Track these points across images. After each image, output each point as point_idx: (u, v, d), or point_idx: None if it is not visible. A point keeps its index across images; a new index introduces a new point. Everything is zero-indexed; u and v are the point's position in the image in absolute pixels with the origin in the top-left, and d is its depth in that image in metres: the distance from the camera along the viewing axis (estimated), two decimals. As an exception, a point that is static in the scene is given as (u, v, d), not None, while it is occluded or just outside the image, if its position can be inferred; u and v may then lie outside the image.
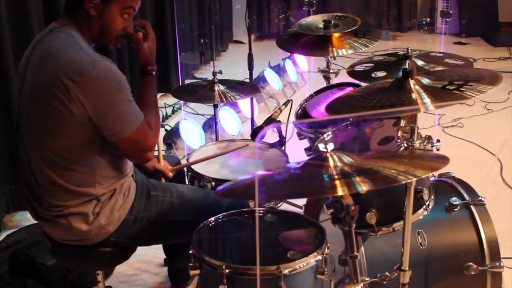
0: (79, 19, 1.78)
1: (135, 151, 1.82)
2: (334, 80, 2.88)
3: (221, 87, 2.72)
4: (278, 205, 2.47)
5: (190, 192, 2.04)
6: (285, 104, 2.53)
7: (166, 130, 4.00)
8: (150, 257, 2.74)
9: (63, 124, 1.71)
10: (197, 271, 1.61)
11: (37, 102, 1.73)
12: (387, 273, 1.82)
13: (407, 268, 1.72)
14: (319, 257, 1.59)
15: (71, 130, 1.72)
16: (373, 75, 2.25)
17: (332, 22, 2.78)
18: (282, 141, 2.56)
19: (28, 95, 1.78)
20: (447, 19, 6.45)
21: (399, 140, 1.90)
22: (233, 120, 3.95)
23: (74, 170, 1.78)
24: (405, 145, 1.79)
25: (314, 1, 3.49)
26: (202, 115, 4.42)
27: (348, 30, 2.75)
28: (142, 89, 1.92)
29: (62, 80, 1.66)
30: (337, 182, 1.36)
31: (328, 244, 1.64)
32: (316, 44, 2.80)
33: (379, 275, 1.83)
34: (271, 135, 2.65)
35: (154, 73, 1.93)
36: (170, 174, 2.20)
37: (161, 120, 1.95)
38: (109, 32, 1.81)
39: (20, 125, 1.84)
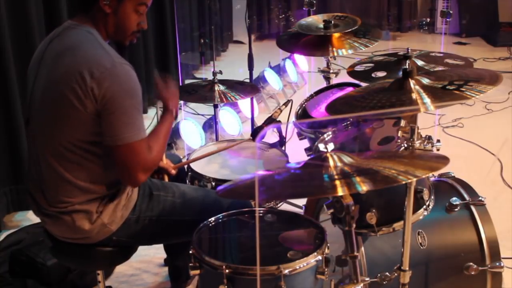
0: (94, 16, 1.80)
1: (128, 164, 1.75)
2: (334, 80, 2.88)
3: (221, 87, 2.73)
4: (278, 205, 2.47)
5: (192, 191, 2.05)
6: (285, 104, 2.53)
7: (166, 130, 3.99)
8: (150, 257, 2.74)
9: (76, 119, 1.71)
10: (197, 271, 1.61)
11: (53, 95, 1.73)
12: (387, 273, 1.82)
13: (407, 268, 1.72)
14: (319, 257, 1.59)
15: (83, 126, 1.73)
16: (373, 75, 2.25)
17: (332, 22, 2.78)
18: (282, 141, 2.56)
19: (42, 89, 1.78)
20: (447, 19, 6.44)
21: (399, 140, 1.90)
22: (233, 120, 3.95)
23: (84, 166, 1.78)
24: (405, 145, 1.79)
25: (314, 1, 3.49)
26: (202, 115, 4.42)
27: (348, 30, 2.75)
28: (158, 122, 1.96)
29: (82, 74, 1.67)
30: (337, 182, 1.36)
31: (328, 244, 1.64)
32: (316, 44, 2.80)
33: (379, 275, 1.83)
34: (271, 135, 2.65)
35: (174, 113, 1.98)
36: (173, 172, 2.20)
37: (164, 152, 1.96)
38: (125, 28, 1.83)
39: (30, 120, 1.85)
